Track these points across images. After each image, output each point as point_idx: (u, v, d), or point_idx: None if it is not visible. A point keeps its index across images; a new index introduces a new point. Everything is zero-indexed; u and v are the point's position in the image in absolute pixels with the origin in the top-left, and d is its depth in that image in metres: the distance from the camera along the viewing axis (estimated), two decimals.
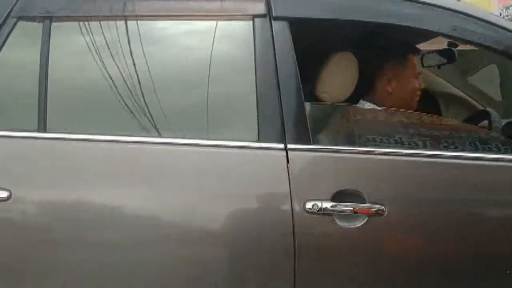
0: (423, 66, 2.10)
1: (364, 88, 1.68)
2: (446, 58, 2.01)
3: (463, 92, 2.30)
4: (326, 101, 1.58)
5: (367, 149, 1.33)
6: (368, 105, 1.65)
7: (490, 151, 1.36)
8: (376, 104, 1.66)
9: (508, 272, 1.28)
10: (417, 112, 1.55)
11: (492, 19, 1.41)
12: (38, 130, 1.31)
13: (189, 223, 1.28)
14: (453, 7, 1.39)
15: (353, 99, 1.63)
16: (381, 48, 1.67)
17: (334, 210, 1.25)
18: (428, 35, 1.66)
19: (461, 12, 1.38)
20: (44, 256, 1.26)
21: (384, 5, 1.39)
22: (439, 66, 2.07)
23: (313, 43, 1.64)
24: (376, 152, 1.32)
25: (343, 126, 1.44)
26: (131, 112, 1.37)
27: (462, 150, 1.35)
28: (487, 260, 1.31)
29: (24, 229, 1.26)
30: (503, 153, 1.35)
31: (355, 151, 1.33)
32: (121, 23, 1.40)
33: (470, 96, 2.28)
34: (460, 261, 1.31)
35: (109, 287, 1.27)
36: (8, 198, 1.24)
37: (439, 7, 1.38)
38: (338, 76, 1.61)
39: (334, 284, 1.30)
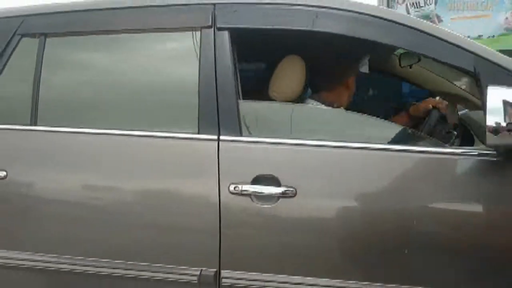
0: (400, 66, 2.24)
1: (314, 89, 1.88)
2: (418, 56, 2.13)
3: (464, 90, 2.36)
4: (276, 100, 1.81)
5: (282, 140, 1.54)
6: (312, 103, 1.85)
7: (398, 143, 1.52)
8: (321, 103, 1.86)
9: (406, 251, 1.43)
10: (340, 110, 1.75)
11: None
12: (30, 124, 1.69)
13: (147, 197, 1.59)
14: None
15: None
16: (336, 61, 1.86)
17: (251, 192, 1.49)
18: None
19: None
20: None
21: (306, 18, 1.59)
22: (410, 66, 2.20)
23: (263, 49, 1.87)
24: (290, 143, 1.53)
25: (268, 120, 1.65)
26: (103, 109, 1.71)
27: (369, 143, 1.51)
28: (379, 235, 1.47)
29: None
30: (409, 145, 1.50)
31: (273, 142, 1.54)
32: (96, 37, 1.75)
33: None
34: (360, 235, 1.48)
35: None
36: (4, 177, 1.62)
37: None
38: (285, 78, 1.83)
39: (252, 256, 1.53)
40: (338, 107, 1.88)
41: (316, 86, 1.93)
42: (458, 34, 1.58)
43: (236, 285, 1.51)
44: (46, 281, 1.66)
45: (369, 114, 1.61)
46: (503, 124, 1.29)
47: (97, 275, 1.58)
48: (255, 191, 1.49)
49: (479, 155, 1.44)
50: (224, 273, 1.51)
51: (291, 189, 1.48)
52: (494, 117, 1.30)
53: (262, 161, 1.53)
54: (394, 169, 1.48)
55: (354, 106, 1.96)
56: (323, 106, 1.81)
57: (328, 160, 1.51)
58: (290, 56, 1.85)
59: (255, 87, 1.88)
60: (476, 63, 1.48)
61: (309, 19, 1.57)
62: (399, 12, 1.77)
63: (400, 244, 1.46)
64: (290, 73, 1.83)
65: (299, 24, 1.59)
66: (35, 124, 1.70)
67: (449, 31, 1.60)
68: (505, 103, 1.30)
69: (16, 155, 1.68)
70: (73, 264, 1.59)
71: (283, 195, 1.48)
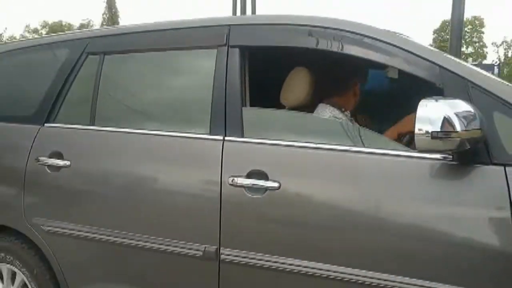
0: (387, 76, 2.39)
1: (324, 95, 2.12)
2: None
3: None
4: (286, 106, 2.08)
5: (272, 141, 1.82)
6: (327, 107, 2.09)
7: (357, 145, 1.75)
8: (334, 107, 2.09)
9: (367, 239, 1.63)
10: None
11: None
12: (90, 124, 2.16)
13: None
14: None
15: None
16: (340, 72, 2.07)
17: (245, 184, 1.79)
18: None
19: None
20: None
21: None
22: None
23: (275, 62, 2.15)
24: (278, 144, 1.81)
25: (265, 124, 1.93)
26: (143, 112, 2.14)
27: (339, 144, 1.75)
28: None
29: None
30: (372, 148, 1.71)
31: (265, 143, 1.83)
32: (140, 54, 2.20)
33: None
34: (328, 226, 1.71)
35: None
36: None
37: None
38: (293, 87, 2.11)
39: (245, 237, 1.82)
40: (345, 110, 2.10)
41: (328, 92, 2.16)
42: (426, 46, 1.76)
43: (233, 261, 1.82)
44: (102, 249, 2.11)
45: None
46: (428, 131, 1.45)
47: (131, 246, 2.01)
48: (247, 184, 1.79)
49: (436, 159, 1.59)
50: (223, 250, 1.83)
51: (276, 183, 1.75)
52: (421, 125, 1.46)
53: (255, 158, 1.83)
54: (360, 169, 1.69)
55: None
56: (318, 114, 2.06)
57: (308, 159, 1.76)
58: (297, 68, 2.15)
59: (270, 95, 2.18)
60: (441, 75, 1.64)
61: (313, 39, 1.86)
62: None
63: (362, 232, 1.65)
64: (297, 83, 2.14)
65: (304, 43, 1.88)
66: (93, 124, 2.17)
67: (417, 43, 1.80)
68: (421, 113, 1.47)
69: (79, 149, 2.17)
70: (114, 236, 2.04)
71: (269, 188, 1.76)
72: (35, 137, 2.26)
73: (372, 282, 1.61)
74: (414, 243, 1.58)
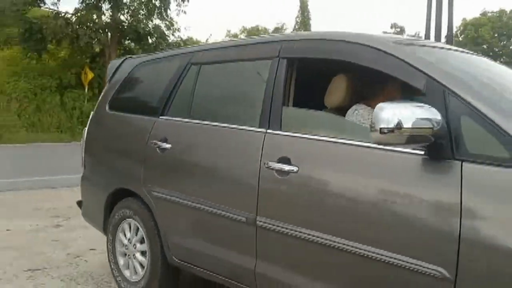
0: None
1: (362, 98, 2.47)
2: None
3: None
4: (328, 107, 2.50)
5: (297, 134, 2.32)
6: (361, 107, 2.42)
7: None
8: (366, 107, 2.42)
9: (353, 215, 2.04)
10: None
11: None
12: (187, 117, 2.92)
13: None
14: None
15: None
16: (382, 78, 2.34)
17: (274, 167, 2.31)
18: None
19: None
20: None
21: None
22: None
23: (321, 70, 2.56)
24: (301, 136, 2.29)
25: (298, 120, 2.45)
26: (222, 109, 2.87)
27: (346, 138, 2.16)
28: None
29: None
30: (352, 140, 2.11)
31: (292, 135, 2.34)
32: (220, 65, 2.98)
33: None
34: (329, 203, 2.12)
35: None
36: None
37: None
38: (335, 91, 2.51)
39: (274, 209, 2.33)
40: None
41: (364, 95, 2.49)
42: (416, 55, 2.07)
43: (264, 225, 2.34)
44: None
45: None
46: (377, 128, 1.75)
47: (203, 210, 2.65)
48: (277, 167, 2.30)
49: (409, 153, 1.88)
50: (259, 218, 2.36)
51: (295, 167, 2.23)
52: (376, 123, 1.76)
53: (284, 147, 2.33)
54: (356, 159, 2.09)
55: None
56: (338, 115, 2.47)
57: (321, 150, 2.22)
58: (338, 76, 2.52)
59: (316, 98, 2.60)
60: (427, 82, 1.92)
61: (346, 52, 2.27)
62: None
63: (358, 211, 2.01)
64: (338, 88, 2.51)
65: (339, 56, 2.30)
66: (190, 118, 2.92)
67: (408, 51, 2.10)
68: (379, 114, 1.75)
69: (179, 135, 2.95)
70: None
71: (291, 171, 2.24)
72: (153, 126, 3.08)
73: (360, 252, 1.97)
74: (390, 220, 1.90)
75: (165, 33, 16.67)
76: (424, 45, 2.38)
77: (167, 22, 16.79)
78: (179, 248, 2.89)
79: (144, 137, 3.09)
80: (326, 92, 2.54)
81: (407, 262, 1.82)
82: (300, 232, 2.18)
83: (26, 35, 15.12)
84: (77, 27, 15.04)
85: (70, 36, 15.20)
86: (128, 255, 3.27)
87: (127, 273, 3.26)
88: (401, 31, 25.53)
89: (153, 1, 16.06)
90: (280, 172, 2.28)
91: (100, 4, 15.79)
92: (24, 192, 6.80)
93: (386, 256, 1.88)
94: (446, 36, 9.81)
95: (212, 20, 65.29)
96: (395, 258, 1.85)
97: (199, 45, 3.44)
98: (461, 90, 1.84)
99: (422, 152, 1.84)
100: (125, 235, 3.30)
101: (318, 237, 2.11)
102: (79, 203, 3.87)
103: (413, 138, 1.75)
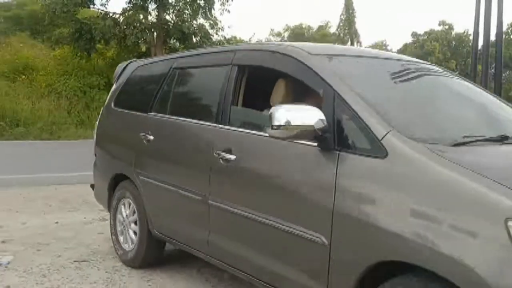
0: None
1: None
2: None
3: None
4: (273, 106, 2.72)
5: (237, 129, 2.85)
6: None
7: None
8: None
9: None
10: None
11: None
12: (166, 114, 3.53)
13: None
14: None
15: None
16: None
17: (221, 156, 2.83)
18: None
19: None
20: None
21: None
22: None
23: (266, 76, 2.96)
24: (239, 131, 2.83)
25: (242, 118, 2.96)
26: (191, 107, 3.50)
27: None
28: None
29: None
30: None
31: (234, 130, 2.86)
32: (189, 71, 3.63)
33: None
34: (259, 182, 2.67)
35: None
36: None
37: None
38: (275, 93, 2.92)
39: (222, 194, 2.87)
40: None
41: (300, 98, 2.76)
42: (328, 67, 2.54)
43: (213, 204, 2.90)
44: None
45: None
46: (271, 125, 2.24)
47: (172, 190, 3.27)
48: (222, 156, 2.83)
49: (308, 145, 2.33)
50: (210, 197, 2.95)
51: (234, 156, 2.76)
52: (270, 121, 2.24)
53: (229, 139, 2.87)
54: (267, 148, 2.63)
55: None
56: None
57: (250, 141, 2.77)
58: (279, 79, 2.89)
59: (262, 99, 2.96)
60: (324, 88, 2.38)
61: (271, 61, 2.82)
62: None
63: (271, 191, 2.56)
64: (278, 91, 2.90)
65: (273, 64, 2.79)
66: (170, 114, 3.49)
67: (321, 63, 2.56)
68: (273, 113, 2.24)
69: (160, 130, 3.55)
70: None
71: (230, 159, 2.78)
72: (142, 121, 3.67)
73: (272, 224, 2.49)
74: (292, 197, 2.41)
75: (209, 32, 16.87)
76: (339, 55, 2.78)
77: (211, 22, 16.99)
78: (158, 222, 3.51)
79: (136, 130, 3.70)
80: (272, 94, 2.94)
81: (302, 231, 2.31)
82: (236, 208, 2.73)
83: (76, 35, 15.68)
84: (125, 27, 15.45)
85: (118, 36, 15.65)
86: (124, 228, 3.92)
87: (123, 243, 3.91)
88: (450, 28, 24.73)
89: (198, 1, 16.28)
90: (224, 160, 2.80)
91: (146, 5, 16.16)
92: (74, 187, 7.06)
93: (288, 227, 2.39)
94: (496, 34, 9.44)
95: (255, 18, 65.48)
96: (294, 228, 2.35)
97: (182, 52, 4.35)
98: (346, 95, 2.29)
99: (316, 144, 2.30)
100: (122, 212, 3.94)
101: (247, 212, 2.65)
102: (92, 186, 4.53)
103: (300, 133, 2.26)
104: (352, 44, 34.73)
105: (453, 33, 24.87)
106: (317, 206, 2.23)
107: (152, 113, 3.63)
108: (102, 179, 4.23)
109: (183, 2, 16.15)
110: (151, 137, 3.51)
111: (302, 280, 2.35)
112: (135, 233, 3.79)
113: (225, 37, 17.62)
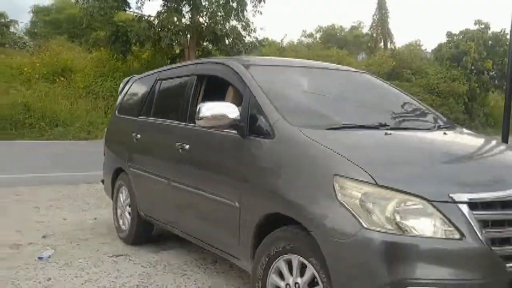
0: None
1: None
2: None
3: None
4: None
5: (191, 125, 3.55)
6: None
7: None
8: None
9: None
10: None
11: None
12: (149, 116, 4.40)
13: None
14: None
15: None
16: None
17: (180, 146, 3.60)
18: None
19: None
20: None
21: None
22: None
23: (218, 83, 3.70)
24: (192, 126, 3.54)
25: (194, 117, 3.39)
26: (167, 110, 4.26)
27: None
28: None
29: None
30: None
31: (189, 125, 3.61)
32: (168, 81, 4.40)
33: None
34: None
35: None
36: None
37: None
38: (226, 98, 3.64)
39: (178, 176, 3.65)
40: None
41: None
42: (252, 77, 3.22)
43: (174, 185, 3.68)
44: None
45: None
46: (198, 117, 3.02)
47: (152, 178, 4.10)
48: (181, 146, 3.59)
49: (232, 133, 3.04)
50: (172, 179, 3.76)
51: (188, 145, 3.52)
52: (198, 113, 3.01)
53: (187, 133, 3.63)
54: (203, 138, 3.43)
55: None
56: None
57: (196, 133, 3.53)
58: (230, 86, 3.60)
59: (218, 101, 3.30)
60: (245, 91, 3.17)
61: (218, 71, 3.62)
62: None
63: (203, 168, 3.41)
64: (228, 96, 3.66)
65: (221, 74, 3.54)
66: (152, 117, 4.30)
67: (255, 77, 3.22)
68: (200, 108, 3.01)
69: (144, 130, 4.37)
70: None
71: (186, 148, 3.54)
72: (133, 123, 4.55)
73: (205, 195, 3.27)
74: (219, 175, 3.18)
75: (241, 34, 17.01)
76: (268, 66, 3.65)
77: (244, 23, 17.12)
78: (143, 206, 4.29)
79: (129, 131, 4.54)
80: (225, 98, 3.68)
81: (223, 199, 3.05)
82: (187, 186, 3.50)
83: (112, 38, 16.11)
84: (159, 29, 15.77)
85: (153, 38, 15.98)
86: (122, 212, 4.68)
87: (122, 224, 4.67)
88: (486, 27, 24.08)
89: (231, 3, 16.44)
90: (182, 149, 3.55)
91: (180, 7, 16.44)
92: None
93: (218, 197, 3.12)
94: None
95: (287, 20, 65.38)
96: (221, 197, 3.08)
97: (165, 66, 5.24)
98: (257, 95, 3.02)
99: (235, 132, 3.02)
100: (120, 199, 4.72)
101: (192, 188, 3.43)
102: (102, 181, 5.27)
103: (219, 123, 2.99)
104: (385, 44, 34.30)
105: (490, 32, 24.18)
106: (234, 178, 2.98)
107: (141, 117, 4.47)
108: (108, 174, 5.04)
109: (216, 4, 16.34)
110: (139, 136, 4.37)
111: (226, 237, 3.13)
112: (129, 214, 4.52)
113: (257, 39, 17.72)
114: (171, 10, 16.15)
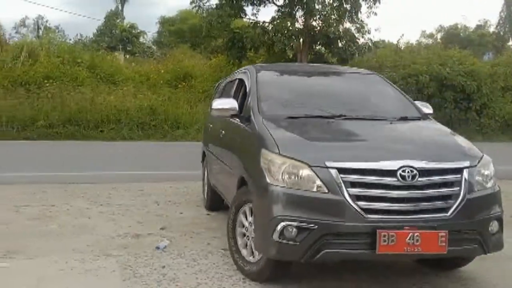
0: None
1: None
2: None
3: None
4: None
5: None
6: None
7: None
8: None
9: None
10: None
11: None
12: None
13: None
14: None
15: None
16: None
17: (220, 132, 5.00)
18: None
19: None
20: None
21: None
22: None
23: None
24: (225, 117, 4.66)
25: None
26: None
27: None
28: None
29: None
30: None
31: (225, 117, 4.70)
32: (228, 84, 5.81)
33: None
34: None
35: None
36: None
37: None
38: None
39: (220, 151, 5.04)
40: None
41: None
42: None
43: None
44: None
45: None
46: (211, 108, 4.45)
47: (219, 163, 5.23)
48: (220, 132, 4.99)
49: (239, 118, 4.25)
50: (221, 158, 4.97)
51: (224, 132, 4.85)
52: (212, 105, 4.39)
53: (223, 122, 4.89)
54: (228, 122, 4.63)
55: None
56: None
57: (225, 122, 4.78)
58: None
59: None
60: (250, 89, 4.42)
61: None
62: None
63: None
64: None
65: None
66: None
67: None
68: (212, 103, 4.46)
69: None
70: None
71: (223, 133, 4.89)
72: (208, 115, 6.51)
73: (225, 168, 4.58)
74: (234, 151, 4.27)
75: (355, 36, 16.76)
76: (276, 70, 5.10)
77: (358, 25, 16.84)
78: (210, 177, 5.63)
79: (207, 121, 6.50)
80: None
81: (227, 167, 4.34)
82: (219, 160, 4.93)
83: (229, 44, 16.83)
84: (273, 34, 16.13)
85: (266, 43, 16.41)
86: (203, 186, 6.26)
87: (204, 195, 6.14)
88: None
89: (344, 5, 16.28)
90: (221, 134, 4.89)
91: (294, 12, 16.66)
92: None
93: (226, 166, 4.45)
94: None
95: (405, 20, 62.80)
96: (227, 166, 4.39)
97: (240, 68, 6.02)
98: (252, 93, 4.19)
99: (238, 120, 4.23)
100: (204, 174, 6.24)
101: (223, 162, 4.67)
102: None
103: (224, 113, 4.35)
104: None
105: None
106: (234, 153, 4.18)
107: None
108: (202, 157, 6.48)
109: (329, 7, 16.30)
110: (210, 125, 5.87)
111: (230, 193, 4.14)
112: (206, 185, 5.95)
113: (371, 40, 17.32)
114: (285, 15, 16.42)
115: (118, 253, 4.07)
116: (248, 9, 17.18)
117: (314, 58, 17.13)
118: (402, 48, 20.19)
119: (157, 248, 4.27)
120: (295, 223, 3.00)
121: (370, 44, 17.11)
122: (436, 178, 3.11)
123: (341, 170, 3.01)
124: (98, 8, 69.52)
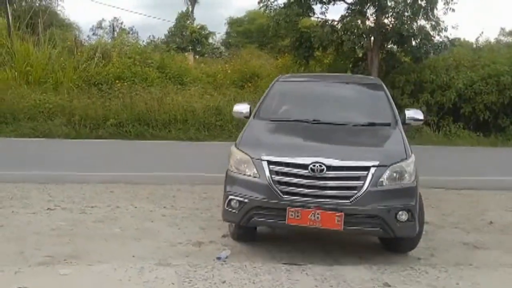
0: None
1: None
2: None
3: None
4: None
5: None
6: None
7: None
8: None
9: None
10: None
11: None
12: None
13: None
14: None
15: None
16: None
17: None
18: None
19: None
20: None
21: None
22: None
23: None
24: None
25: None
26: None
27: None
28: None
29: None
30: None
31: None
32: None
33: None
34: None
35: None
36: None
37: None
38: None
39: None
40: None
41: None
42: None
43: None
44: None
45: None
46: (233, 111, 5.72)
47: None
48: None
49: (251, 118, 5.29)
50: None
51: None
52: (234, 110, 5.57)
53: None
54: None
55: None
56: None
57: None
58: None
59: None
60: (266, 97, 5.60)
61: None
62: None
63: None
64: None
65: None
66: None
67: None
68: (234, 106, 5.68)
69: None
70: None
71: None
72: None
73: None
74: None
75: (430, 34, 15.83)
76: (298, 81, 6.20)
77: (433, 22, 15.90)
78: None
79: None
80: None
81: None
82: None
83: (296, 44, 16.50)
84: (342, 33, 15.61)
85: (335, 42, 15.88)
86: None
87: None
88: None
89: (419, 2, 15.43)
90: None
91: (365, 10, 16.05)
92: None
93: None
94: None
95: (485, 16, 59.17)
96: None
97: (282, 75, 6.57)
98: (264, 100, 5.33)
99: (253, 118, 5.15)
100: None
101: None
102: None
103: (241, 114, 5.34)
104: None
105: None
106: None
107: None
108: None
109: (403, 4, 15.52)
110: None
111: None
112: None
113: (448, 38, 16.29)
114: (355, 13, 15.86)
115: (178, 263, 3.91)
116: (317, 8, 16.74)
117: (386, 57, 16.42)
118: (481, 47, 18.93)
119: (218, 258, 4.09)
120: (236, 198, 4.16)
121: (447, 42, 16.10)
122: (342, 173, 4.00)
123: (270, 162, 4.10)
124: (170, 10, 71.65)
